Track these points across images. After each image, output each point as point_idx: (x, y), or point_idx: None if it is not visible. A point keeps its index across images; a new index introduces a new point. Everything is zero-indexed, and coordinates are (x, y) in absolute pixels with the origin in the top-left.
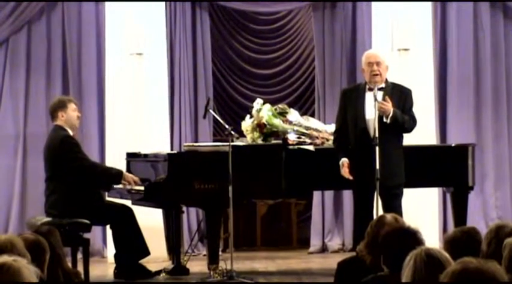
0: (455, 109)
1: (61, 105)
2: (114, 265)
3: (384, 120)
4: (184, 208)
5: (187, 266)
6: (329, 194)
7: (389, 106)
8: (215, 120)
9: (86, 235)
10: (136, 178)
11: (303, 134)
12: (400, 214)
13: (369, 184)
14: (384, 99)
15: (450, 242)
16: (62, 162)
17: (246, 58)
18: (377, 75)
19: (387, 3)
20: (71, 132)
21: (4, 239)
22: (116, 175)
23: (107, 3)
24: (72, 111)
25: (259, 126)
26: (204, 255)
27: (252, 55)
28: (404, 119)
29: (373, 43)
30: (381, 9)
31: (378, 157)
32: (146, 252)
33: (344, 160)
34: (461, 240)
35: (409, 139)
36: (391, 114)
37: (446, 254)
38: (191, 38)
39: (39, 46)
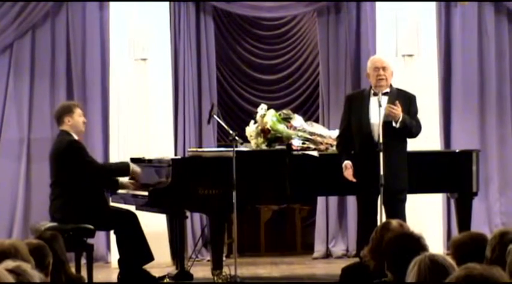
0: (460, 114)
1: (67, 110)
2: (117, 271)
3: (394, 124)
4: (188, 214)
5: (191, 271)
6: (333, 200)
7: (399, 111)
8: (219, 126)
9: (90, 241)
10: (139, 169)
11: (307, 140)
12: (404, 219)
13: (373, 189)
14: (393, 104)
15: (456, 247)
16: (68, 166)
17: (250, 63)
18: (383, 79)
19: (392, 8)
20: (76, 137)
21: (8, 244)
22: (124, 168)
23: (111, 8)
24: (78, 116)
25: (264, 132)
26: (208, 260)
27: (256, 60)
28: (412, 124)
29: (378, 49)
30: (386, 14)
31: (382, 163)
32: (150, 257)
33: (347, 163)
34: (469, 246)
35: (414, 145)
36: (400, 119)
37: (450, 260)
38: (195, 43)
39: (43, 51)
